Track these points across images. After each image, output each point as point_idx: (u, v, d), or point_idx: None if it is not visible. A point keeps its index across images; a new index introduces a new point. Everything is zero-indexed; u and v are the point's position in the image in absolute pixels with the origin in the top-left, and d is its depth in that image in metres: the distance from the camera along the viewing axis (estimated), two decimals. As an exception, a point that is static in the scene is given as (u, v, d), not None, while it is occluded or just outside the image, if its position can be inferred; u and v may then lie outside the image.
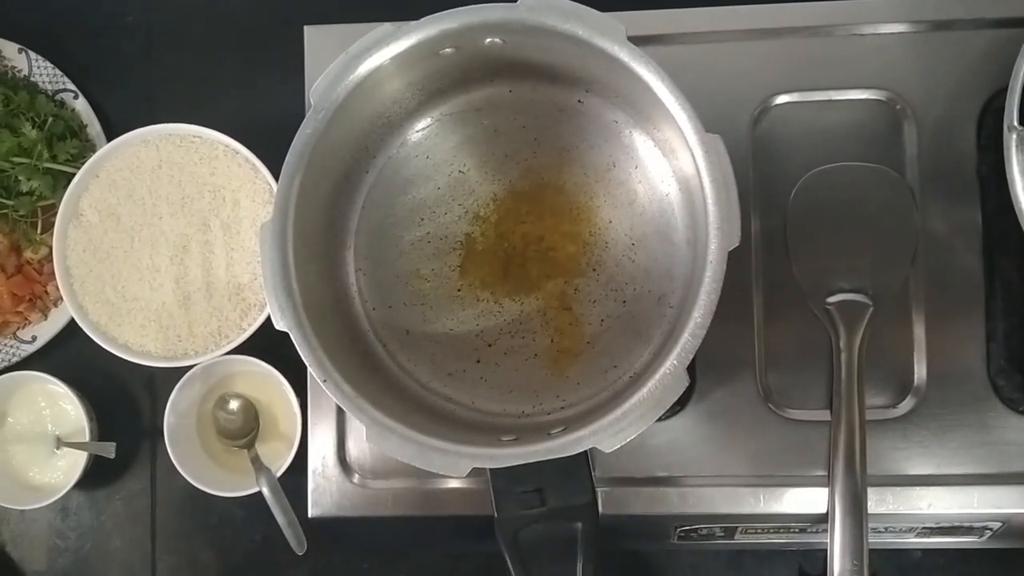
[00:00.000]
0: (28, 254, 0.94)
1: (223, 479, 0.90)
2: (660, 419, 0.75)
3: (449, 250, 0.78)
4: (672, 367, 0.63)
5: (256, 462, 0.87)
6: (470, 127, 0.79)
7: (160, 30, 0.98)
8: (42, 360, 0.94)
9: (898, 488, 0.78)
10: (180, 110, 0.93)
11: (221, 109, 0.95)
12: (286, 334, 0.68)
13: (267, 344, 0.87)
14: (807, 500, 0.78)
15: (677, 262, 0.75)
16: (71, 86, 0.96)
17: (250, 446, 0.89)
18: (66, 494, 0.90)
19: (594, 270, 0.77)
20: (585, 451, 0.64)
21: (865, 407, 0.77)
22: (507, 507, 0.69)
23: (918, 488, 0.78)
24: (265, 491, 0.85)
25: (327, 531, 0.82)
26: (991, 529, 0.80)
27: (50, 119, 0.93)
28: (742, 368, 0.79)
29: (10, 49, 0.96)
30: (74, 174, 0.90)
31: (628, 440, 0.64)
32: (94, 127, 0.96)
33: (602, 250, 0.77)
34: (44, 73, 0.96)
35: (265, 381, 0.90)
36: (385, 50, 0.69)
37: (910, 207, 0.80)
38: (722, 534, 0.83)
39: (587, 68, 0.73)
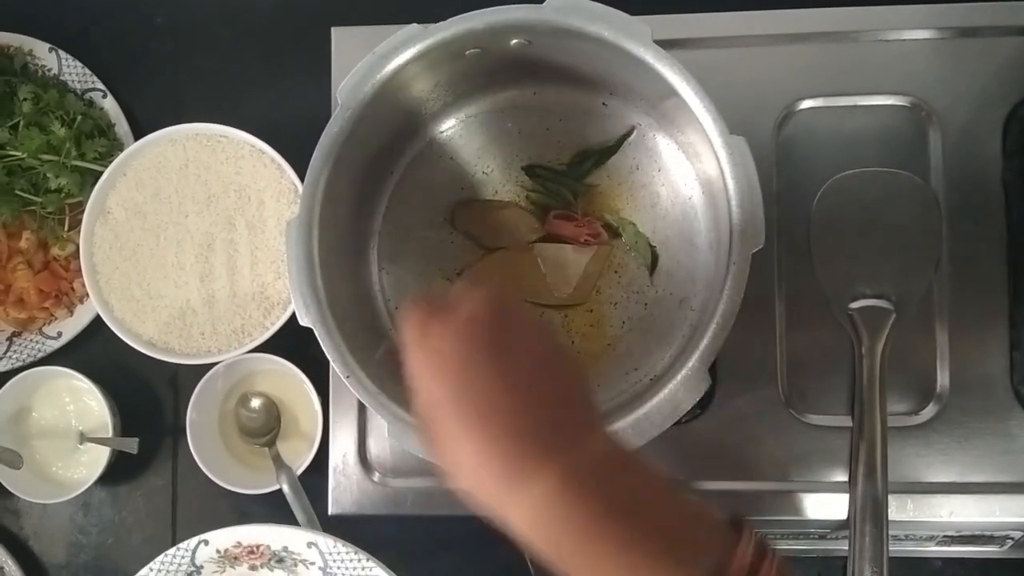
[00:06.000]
0: (55, 251, 0.95)
1: (244, 477, 0.90)
2: (681, 423, 0.74)
3: (471, 251, 0.79)
4: (694, 367, 0.64)
5: (277, 460, 0.88)
6: (494, 129, 0.79)
7: (188, 31, 0.99)
8: (67, 356, 0.95)
9: (919, 495, 0.77)
10: (207, 110, 0.94)
11: (247, 109, 0.95)
12: (308, 333, 0.68)
13: (289, 343, 0.88)
14: (828, 506, 0.77)
15: (699, 265, 0.75)
16: (100, 85, 0.97)
17: (271, 444, 0.90)
18: (88, 489, 0.91)
19: (615, 273, 0.77)
20: (605, 451, 0.64)
21: (887, 413, 0.77)
22: (527, 506, 0.69)
23: (939, 496, 0.77)
24: (285, 489, 0.86)
25: (346, 529, 0.83)
26: (1012, 539, 0.80)
27: (79, 117, 0.94)
28: (764, 373, 0.79)
29: (41, 48, 0.97)
30: (102, 172, 0.91)
31: (649, 440, 0.64)
32: (122, 126, 0.96)
33: (624, 253, 0.77)
34: (74, 72, 0.97)
35: (287, 380, 0.90)
36: (412, 50, 0.70)
37: (934, 213, 0.80)
38: (741, 539, 0.83)
39: (612, 71, 0.73)
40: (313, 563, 0.80)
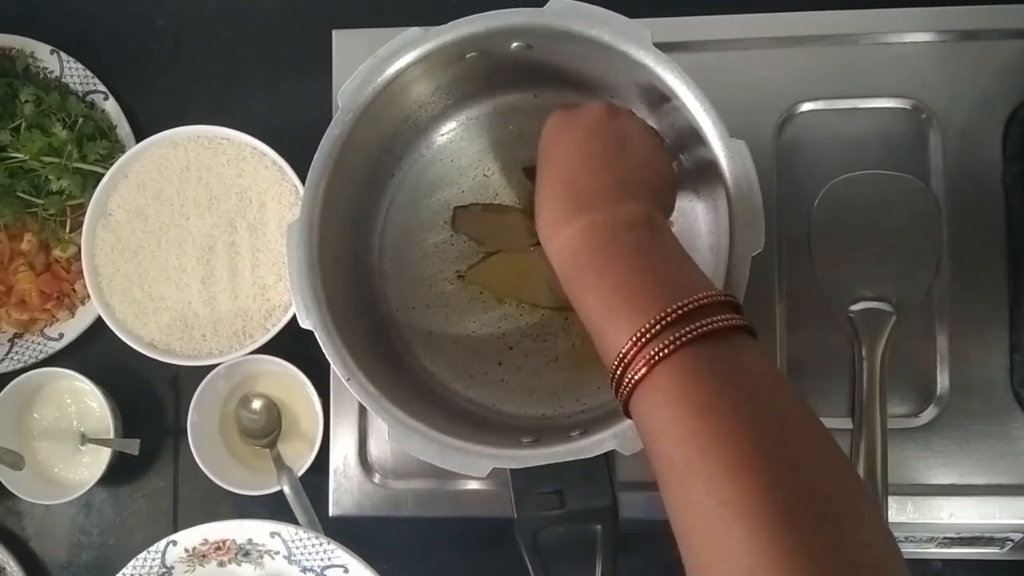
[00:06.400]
0: (57, 252, 0.95)
1: (245, 478, 0.90)
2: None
3: (472, 253, 0.79)
4: (694, 371, 0.63)
5: (278, 461, 0.88)
6: (495, 132, 0.79)
7: (190, 33, 0.99)
8: (69, 357, 0.95)
9: (919, 497, 0.78)
10: (208, 112, 0.94)
11: (248, 111, 0.96)
12: (310, 335, 0.68)
13: (291, 344, 0.88)
14: (827, 508, 0.77)
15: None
16: (101, 87, 0.97)
17: (272, 445, 0.90)
18: (90, 490, 0.91)
19: (616, 275, 0.77)
20: (605, 454, 0.65)
21: (887, 416, 0.77)
22: (527, 508, 0.69)
23: (939, 498, 0.78)
24: (286, 490, 0.86)
25: (347, 531, 0.83)
26: (1012, 541, 0.80)
27: (80, 120, 0.94)
28: (763, 375, 0.79)
29: (42, 51, 0.98)
30: (103, 174, 0.91)
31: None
32: (123, 128, 0.97)
33: (625, 255, 0.77)
34: (75, 74, 0.97)
35: (288, 381, 0.90)
36: (413, 53, 0.70)
37: (934, 216, 0.80)
38: (741, 541, 0.83)
39: (612, 74, 0.73)
40: (278, 552, 0.81)
